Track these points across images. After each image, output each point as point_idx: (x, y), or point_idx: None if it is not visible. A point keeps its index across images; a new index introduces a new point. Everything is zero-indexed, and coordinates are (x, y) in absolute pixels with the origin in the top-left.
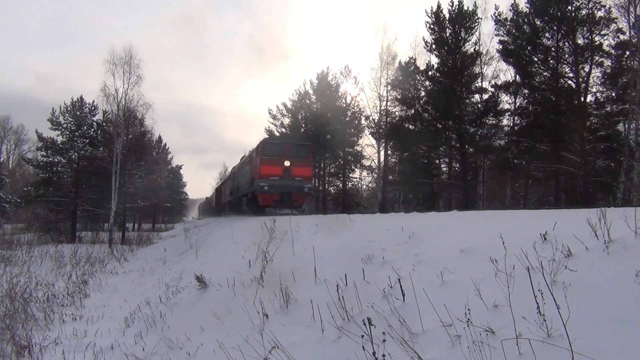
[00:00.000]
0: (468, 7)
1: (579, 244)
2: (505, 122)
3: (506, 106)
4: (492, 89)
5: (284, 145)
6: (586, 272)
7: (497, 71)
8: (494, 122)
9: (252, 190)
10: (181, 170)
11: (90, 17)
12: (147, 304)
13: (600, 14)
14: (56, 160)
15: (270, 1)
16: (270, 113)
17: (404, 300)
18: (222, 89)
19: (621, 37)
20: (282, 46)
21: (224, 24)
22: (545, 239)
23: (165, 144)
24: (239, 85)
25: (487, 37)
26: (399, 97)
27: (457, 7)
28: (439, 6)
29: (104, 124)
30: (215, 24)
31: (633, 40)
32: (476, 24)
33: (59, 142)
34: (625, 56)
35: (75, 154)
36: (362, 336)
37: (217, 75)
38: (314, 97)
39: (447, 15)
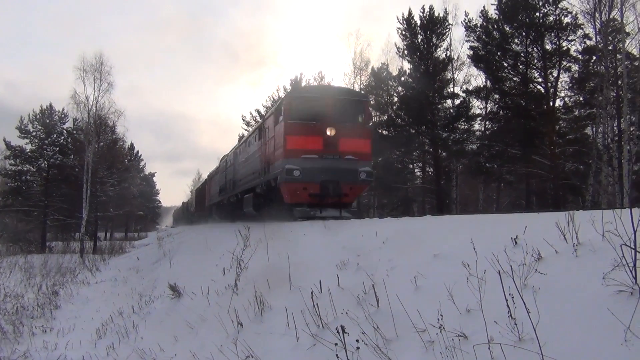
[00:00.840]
0: (439, 14)
1: (548, 248)
2: (477, 126)
3: (477, 111)
4: (464, 94)
5: (325, 102)
6: (556, 275)
7: (468, 77)
8: (465, 127)
9: (267, 181)
10: (154, 178)
11: (62, 22)
12: (119, 315)
13: (567, 20)
14: (25, 169)
15: (245, 7)
16: (243, 119)
17: (378, 306)
18: (196, 95)
19: (588, 42)
20: (256, 52)
21: (199, 29)
22: (516, 242)
23: (138, 151)
24: (214, 91)
25: (458, 43)
26: (372, 102)
27: (428, 13)
28: (410, 13)
29: (75, 132)
30: (190, 29)
31: (599, 46)
32: (447, 30)
33: (28, 151)
34: (592, 61)
35: (45, 162)
36: (336, 344)
37: (192, 81)
38: None
39: (419, 22)
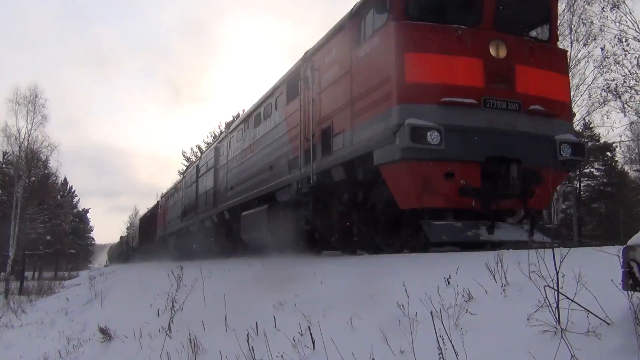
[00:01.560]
0: None
1: (479, 288)
2: None
3: None
4: None
5: None
6: (485, 315)
7: None
8: None
9: (325, 170)
10: (88, 214)
11: None
12: None
13: None
14: None
15: (191, 41)
16: (184, 155)
17: (314, 348)
18: (136, 130)
19: None
20: (199, 87)
21: (140, 63)
22: (448, 282)
23: (72, 187)
24: (155, 126)
25: None
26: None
27: None
28: None
29: (4, 166)
30: (131, 63)
31: None
32: None
33: None
34: None
35: None
36: None
37: (132, 115)
38: None
39: None
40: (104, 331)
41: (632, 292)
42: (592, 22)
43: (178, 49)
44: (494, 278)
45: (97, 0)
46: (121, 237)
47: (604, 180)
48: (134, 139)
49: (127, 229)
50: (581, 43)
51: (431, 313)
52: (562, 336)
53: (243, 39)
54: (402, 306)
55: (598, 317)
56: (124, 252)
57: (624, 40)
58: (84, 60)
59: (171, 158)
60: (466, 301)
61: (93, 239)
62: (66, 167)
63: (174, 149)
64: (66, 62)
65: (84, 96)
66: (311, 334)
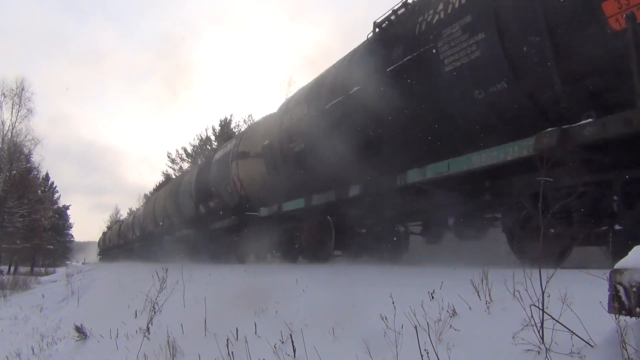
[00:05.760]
0: None
1: (463, 304)
2: None
3: None
4: None
5: None
6: (469, 332)
7: None
8: None
9: None
10: (68, 211)
11: None
12: (17, 356)
13: None
14: None
15: (191, 44)
16: (169, 156)
17: (294, 356)
18: (128, 129)
19: None
20: (194, 90)
21: (136, 62)
22: (432, 297)
23: (53, 182)
24: (147, 126)
25: None
26: None
27: None
28: None
29: None
30: (127, 62)
31: None
32: None
33: None
34: None
35: None
36: None
37: (125, 114)
38: (215, 144)
39: None
40: (79, 330)
41: (618, 315)
42: None
43: (176, 50)
44: (478, 295)
45: None
46: (118, 222)
47: None
48: (124, 138)
49: (129, 215)
50: None
51: (415, 327)
52: (546, 356)
53: (241, 42)
54: (386, 318)
55: (582, 339)
56: (124, 244)
57: None
58: (79, 57)
59: (162, 158)
60: (450, 316)
61: (72, 236)
62: (53, 162)
63: (164, 150)
64: (61, 58)
65: (77, 93)
66: (292, 342)
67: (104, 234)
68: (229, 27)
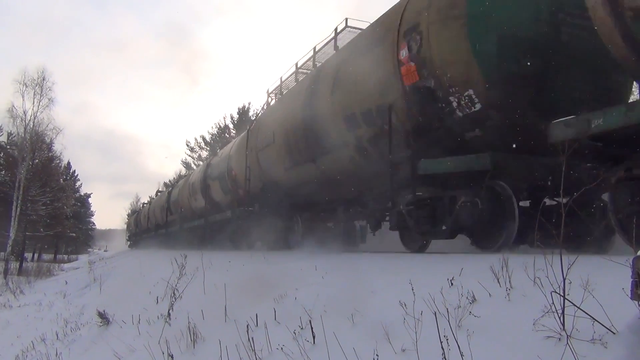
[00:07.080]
0: None
1: (482, 290)
2: None
3: None
4: None
5: None
6: (489, 318)
7: None
8: None
9: None
10: (90, 199)
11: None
12: (42, 341)
13: None
14: None
15: (211, 29)
16: (188, 145)
17: (314, 342)
18: (149, 118)
19: None
20: (214, 77)
21: (157, 51)
22: (452, 284)
23: (75, 170)
24: (169, 113)
25: None
26: None
27: None
28: None
29: (8, 147)
30: (149, 50)
31: None
32: None
33: None
34: None
35: None
36: None
37: (146, 103)
38: (234, 132)
39: None
40: (102, 315)
41: None
42: None
43: (197, 37)
44: (498, 281)
45: None
46: (146, 203)
47: None
48: (145, 127)
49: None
50: None
51: (434, 313)
52: (567, 342)
53: (265, 30)
54: (405, 305)
55: (604, 325)
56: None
57: None
58: (99, 45)
59: (182, 147)
60: (470, 303)
61: (94, 223)
62: (74, 151)
63: (184, 138)
64: (81, 46)
65: (97, 81)
66: (312, 328)
67: (137, 212)
68: (243, 14)
